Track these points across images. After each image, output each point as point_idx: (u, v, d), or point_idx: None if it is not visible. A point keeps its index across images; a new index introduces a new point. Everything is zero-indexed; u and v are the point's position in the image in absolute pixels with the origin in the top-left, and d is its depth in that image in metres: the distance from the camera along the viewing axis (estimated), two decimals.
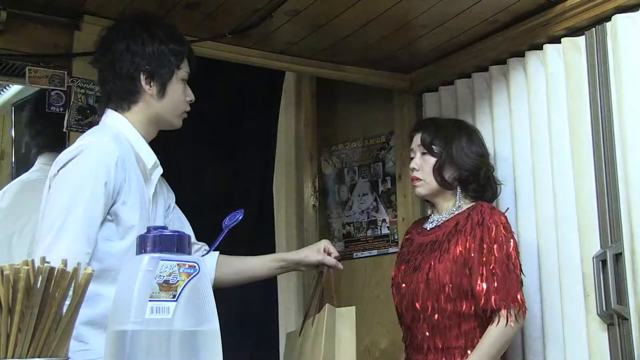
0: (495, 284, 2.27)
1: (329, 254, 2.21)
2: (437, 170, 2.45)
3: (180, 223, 2.20)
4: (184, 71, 2.08)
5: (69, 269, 1.12)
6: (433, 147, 2.47)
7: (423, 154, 2.49)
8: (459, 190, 2.48)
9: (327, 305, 2.10)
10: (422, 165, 2.48)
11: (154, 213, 2.05)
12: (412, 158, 2.53)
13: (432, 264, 2.35)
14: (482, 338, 2.28)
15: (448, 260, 2.33)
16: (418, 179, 2.48)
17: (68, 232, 1.81)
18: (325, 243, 2.24)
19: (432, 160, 2.47)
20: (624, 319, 2.31)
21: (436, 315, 2.32)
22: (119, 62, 2.02)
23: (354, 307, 2.12)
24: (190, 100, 2.10)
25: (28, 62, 2.52)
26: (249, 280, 2.28)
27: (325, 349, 2.05)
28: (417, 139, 2.52)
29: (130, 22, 2.12)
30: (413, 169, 2.50)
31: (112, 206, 1.89)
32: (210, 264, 2.19)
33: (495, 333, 2.26)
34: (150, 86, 2.02)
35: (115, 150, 1.91)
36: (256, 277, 2.29)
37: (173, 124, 2.10)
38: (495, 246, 2.30)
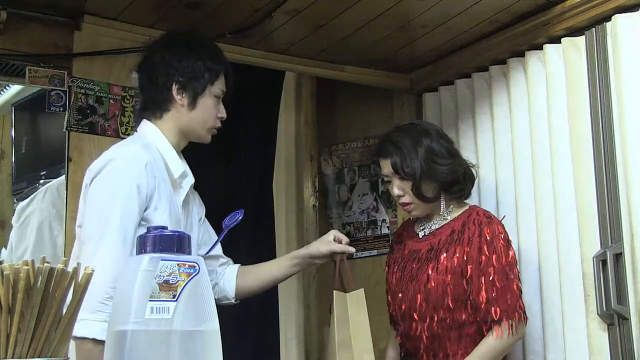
0: (495, 295, 2.25)
1: (340, 242, 2.24)
2: (417, 192, 2.36)
3: (208, 236, 2.26)
4: (217, 88, 2.13)
5: (69, 269, 1.13)
6: (406, 170, 2.35)
7: (401, 178, 2.38)
8: (442, 197, 2.41)
9: (334, 292, 2.13)
10: (405, 189, 2.38)
11: (189, 222, 2.12)
12: (388, 182, 2.43)
13: (430, 274, 2.31)
14: (479, 347, 2.26)
15: (446, 271, 2.29)
16: (408, 204, 2.40)
17: (108, 237, 1.89)
18: (334, 233, 2.27)
19: (410, 183, 2.37)
20: (624, 319, 2.31)
21: (435, 325, 2.30)
22: (155, 71, 2.10)
23: (362, 289, 2.16)
24: (222, 117, 2.16)
25: (28, 62, 2.52)
26: (270, 284, 2.34)
27: (338, 334, 2.08)
28: (387, 165, 2.40)
29: (172, 36, 2.22)
30: (399, 196, 2.40)
31: (144, 211, 1.95)
32: (230, 276, 2.26)
33: (493, 343, 2.25)
34: (182, 97, 2.09)
35: (144, 158, 1.98)
36: (276, 280, 2.35)
37: (201, 137, 2.16)
38: (494, 257, 2.27)
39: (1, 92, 3.79)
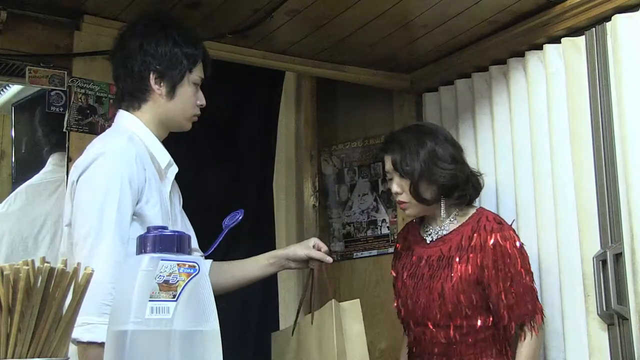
0: (515, 300, 2.26)
1: (319, 250, 2.18)
2: (414, 192, 2.36)
3: (185, 228, 2.19)
4: (196, 75, 2.07)
5: (69, 269, 1.13)
6: (406, 168, 2.35)
7: (400, 176, 2.38)
8: (442, 201, 2.40)
9: (332, 301, 2.09)
10: (404, 187, 2.37)
11: (173, 212, 2.06)
12: (390, 178, 2.43)
13: (444, 283, 2.30)
14: (518, 357, 2.28)
15: (460, 279, 2.28)
16: (403, 202, 2.40)
17: (105, 235, 1.82)
18: (314, 240, 2.22)
19: (409, 182, 2.37)
20: (624, 319, 2.32)
21: (450, 332, 2.30)
22: (131, 60, 2.03)
23: (358, 300, 2.13)
24: (201, 105, 2.11)
25: (28, 62, 2.52)
26: (246, 283, 2.26)
27: (338, 344, 2.04)
28: (389, 161, 2.41)
29: (147, 22, 2.12)
30: (397, 193, 2.40)
31: (136, 205, 1.90)
32: None
33: (528, 349, 2.27)
34: (160, 86, 2.03)
35: (133, 151, 1.92)
36: (252, 279, 2.26)
37: (182, 126, 2.10)
38: (509, 262, 2.28)
39: (1, 92, 3.78)
